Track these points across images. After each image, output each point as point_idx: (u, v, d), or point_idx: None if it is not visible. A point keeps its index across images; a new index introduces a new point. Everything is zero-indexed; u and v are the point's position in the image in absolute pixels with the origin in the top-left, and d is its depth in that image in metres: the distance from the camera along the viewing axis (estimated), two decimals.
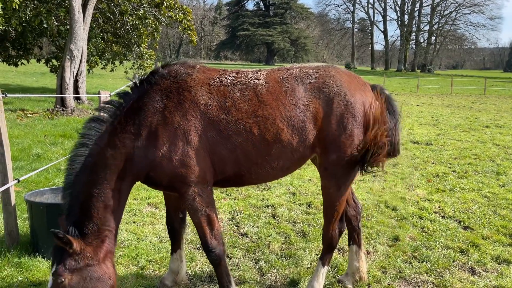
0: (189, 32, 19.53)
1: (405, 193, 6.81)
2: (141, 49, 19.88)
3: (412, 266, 4.36)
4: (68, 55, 14.62)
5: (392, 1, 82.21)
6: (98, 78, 31.27)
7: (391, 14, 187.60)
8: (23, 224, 4.93)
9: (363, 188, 7.01)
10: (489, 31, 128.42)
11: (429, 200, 6.49)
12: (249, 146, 3.13)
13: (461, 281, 4.07)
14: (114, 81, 29.33)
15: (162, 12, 18.62)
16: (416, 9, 78.38)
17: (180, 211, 3.78)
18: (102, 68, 22.78)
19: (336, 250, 4.44)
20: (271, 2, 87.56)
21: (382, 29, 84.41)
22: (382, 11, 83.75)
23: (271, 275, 4.12)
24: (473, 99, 26.70)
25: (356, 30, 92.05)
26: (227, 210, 5.83)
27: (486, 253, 4.64)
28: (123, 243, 4.68)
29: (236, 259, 4.43)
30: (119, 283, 3.76)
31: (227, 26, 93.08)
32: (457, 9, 77.01)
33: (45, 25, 15.32)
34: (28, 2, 15.40)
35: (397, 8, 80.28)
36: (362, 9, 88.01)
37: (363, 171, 3.51)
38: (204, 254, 3.59)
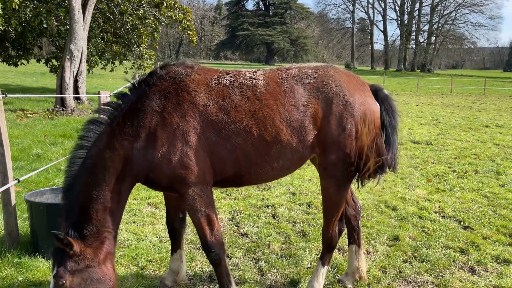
0: (189, 32, 19.53)
1: (405, 193, 6.81)
2: (141, 49, 19.90)
3: (412, 265, 4.36)
4: (68, 55, 14.62)
5: (391, 1, 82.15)
6: (98, 78, 31.26)
7: (391, 14, 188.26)
8: (23, 224, 4.94)
9: (363, 188, 6.99)
10: (489, 30, 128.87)
11: (429, 200, 6.50)
12: (248, 147, 3.13)
13: (461, 281, 4.08)
14: (114, 81, 29.32)
15: (162, 12, 18.63)
16: (416, 8, 78.38)
17: (180, 211, 3.78)
18: (102, 68, 22.80)
19: (336, 250, 4.45)
20: (270, 2, 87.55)
21: (382, 29, 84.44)
22: (381, 11, 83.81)
23: (271, 275, 4.12)
24: (473, 99, 26.69)
25: (356, 30, 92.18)
26: (227, 210, 5.83)
27: (486, 253, 4.65)
28: (123, 243, 4.69)
29: (236, 259, 4.43)
30: (119, 283, 3.77)
31: (226, 26, 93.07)
32: (456, 8, 77.03)
33: (45, 25, 15.31)
34: (28, 2, 15.40)
35: (397, 8, 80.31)
36: (361, 9, 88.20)
37: (360, 184, 3.59)
38: (204, 254, 3.59)
